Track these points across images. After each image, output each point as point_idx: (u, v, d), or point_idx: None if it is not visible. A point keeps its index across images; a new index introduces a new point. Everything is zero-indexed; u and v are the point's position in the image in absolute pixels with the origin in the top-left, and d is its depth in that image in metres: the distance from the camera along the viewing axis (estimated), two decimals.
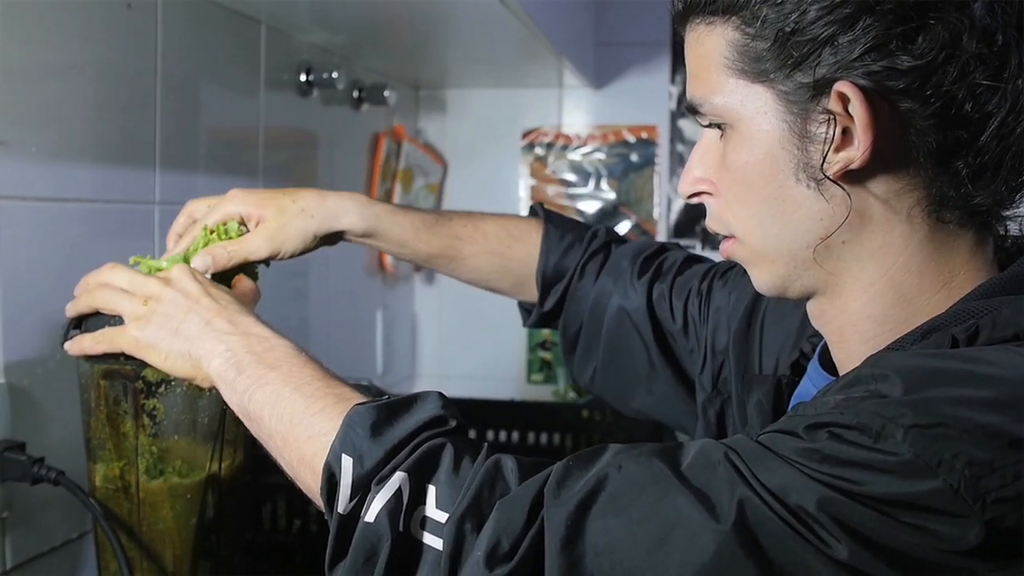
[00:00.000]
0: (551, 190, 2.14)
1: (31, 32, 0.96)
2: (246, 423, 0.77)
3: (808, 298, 0.72)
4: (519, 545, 0.58)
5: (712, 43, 0.67)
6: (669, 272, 1.02)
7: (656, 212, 2.11)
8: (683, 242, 2.07)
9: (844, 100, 0.62)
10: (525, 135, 2.15)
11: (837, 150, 0.64)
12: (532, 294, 1.07)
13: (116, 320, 0.85)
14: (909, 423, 0.54)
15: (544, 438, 1.68)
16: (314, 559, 1.20)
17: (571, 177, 2.14)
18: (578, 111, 2.13)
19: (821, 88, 0.63)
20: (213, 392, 0.82)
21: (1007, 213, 0.68)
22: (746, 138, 0.67)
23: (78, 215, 1.04)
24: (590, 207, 2.13)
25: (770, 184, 0.67)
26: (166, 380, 0.86)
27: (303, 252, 0.98)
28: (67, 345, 0.87)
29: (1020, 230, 0.70)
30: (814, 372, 0.77)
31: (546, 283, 1.05)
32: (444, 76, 2.06)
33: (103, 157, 1.08)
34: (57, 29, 1.00)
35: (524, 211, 2.09)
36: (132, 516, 0.88)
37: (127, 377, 0.86)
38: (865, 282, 0.68)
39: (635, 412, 1.07)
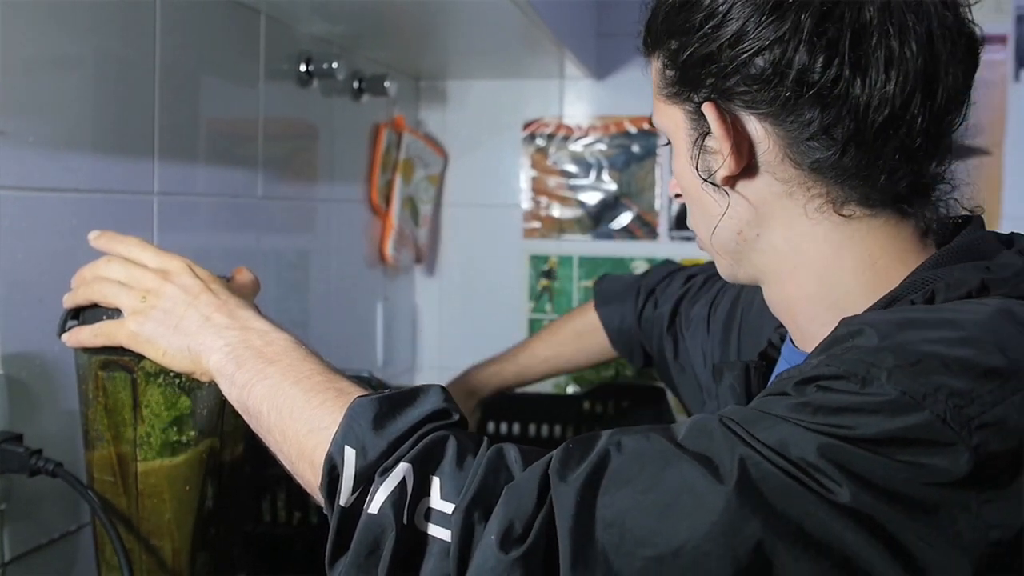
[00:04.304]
0: (552, 181, 2.14)
1: (30, 22, 0.95)
2: (245, 418, 0.77)
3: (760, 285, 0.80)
4: (531, 526, 0.59)
5: (652, 74, 0.81)
6: (660, 307, 1.25)
7: (657, 203, 2.10)
8: (683, 233, 2.07)
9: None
10: (526, 126, 2.14)
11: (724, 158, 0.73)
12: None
13: (114, 312, 0.85)
14: (892, 364, 0.58)
15: (545, 430, 1.68)
16: (314, 551, 1.20)
17: (572, 168, 2.13)
18: (579, 102, 2.12)
19: (699, 107, 0.73)
20: (211, 384, 0.81)
21: (940, 193, 0.73)
22: (675, 151, 0.79)
23: (76, 205, 1.03)
24: (591, 198, 2.12)
25: (691, 189, 0.77)
26: (164, 371, 0.85)
27: None
28: (65, 337, 0.87)
29: (955, 208, 0.75)
30: (788, 352, 0.82)
31: (622, 346, 1.35)
32: (445, 67, 2.05)
33: (101, 147, 1.08)
34: (56, 18, 0.99)
35: (523, 199, 2.15)
36: (130, 508, 0.88)
37: (125, 368, 0.85)
38: (788, 269, 0.75)
39: None
